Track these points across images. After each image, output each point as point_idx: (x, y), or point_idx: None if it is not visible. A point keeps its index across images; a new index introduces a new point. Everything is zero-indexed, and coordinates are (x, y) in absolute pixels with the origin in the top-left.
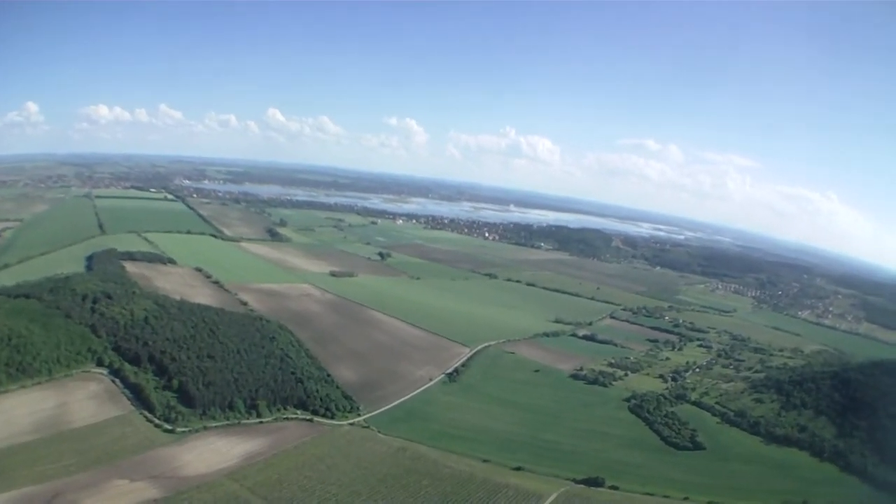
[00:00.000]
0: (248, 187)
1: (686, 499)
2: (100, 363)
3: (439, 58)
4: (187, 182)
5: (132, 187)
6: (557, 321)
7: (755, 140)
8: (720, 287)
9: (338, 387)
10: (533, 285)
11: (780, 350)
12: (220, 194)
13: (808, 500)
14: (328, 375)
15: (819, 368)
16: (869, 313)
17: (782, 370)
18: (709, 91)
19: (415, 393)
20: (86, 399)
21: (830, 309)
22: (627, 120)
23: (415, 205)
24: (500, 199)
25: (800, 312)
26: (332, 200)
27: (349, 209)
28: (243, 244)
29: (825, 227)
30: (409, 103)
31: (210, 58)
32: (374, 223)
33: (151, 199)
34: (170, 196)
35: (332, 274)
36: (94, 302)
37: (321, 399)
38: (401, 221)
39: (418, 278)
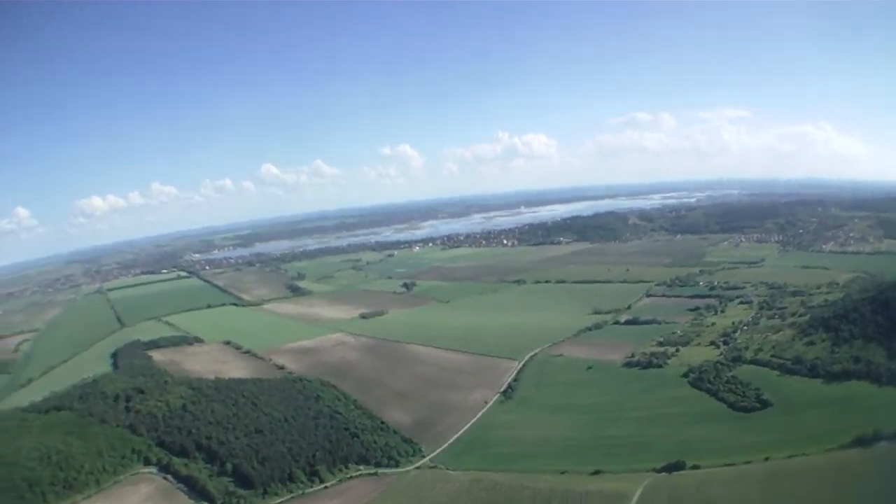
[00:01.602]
0: (259, 247)
1: (766, 459)
2: (147, 462)
3: (422, 77)
4: (196, 255)
5: (142, 273)
6: (596, 312)
7: (742, 89)
8: (743, 240)
9: (395, 432)
10: (563, 282)
11: (817, 287)
12: (231, 261)
13: (879, 428)
14: (382, 423)
15: (857, 296)
16: (886, 230)
17: (825, 307)
18: (687, 50)
19: (473, 420)
20: (141, 503)
21: (851, 235)
22: (614, 98)
23: (427, 228)
24: (509, 203)
25: (824, 246)
26: (344, 242)
27: (363, 247)
28: (266, 306)
29: (825, 157)
30: (400, 129)
31: (194, 126)
32: (391, 255)
33: (165, 281)
34: (182, 273)
35: (362, 316)
36: (128, 400)
37: (381, 449)
38: (417, 248)
39: (448, 301)
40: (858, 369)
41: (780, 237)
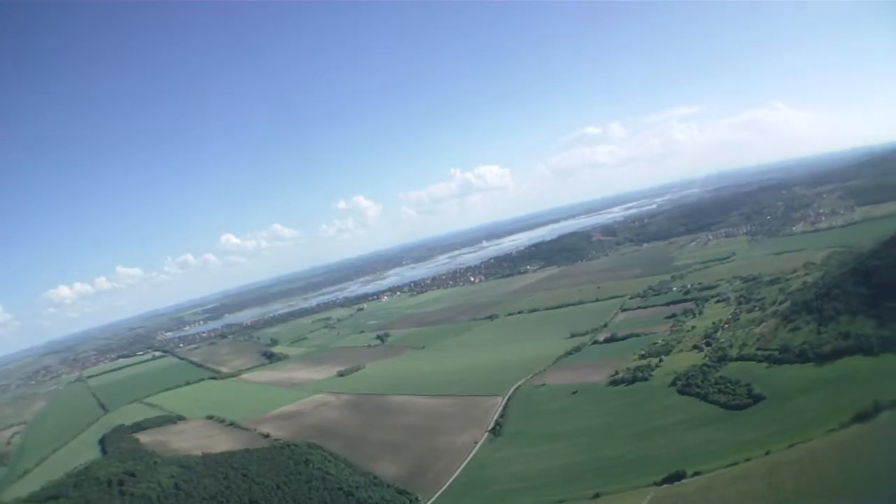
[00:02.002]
0: (229, 318)
1: (768, 453)
2: None
3: (369, 126)
4: (169, 334)
5: (118, 357)
6: (573, 335)
7: (688, 86)
8: (710, 237)
9: (388, 485)
10: (535, 310)
11: (794, 272)
12: (204, 335)
13: (878, 398)
14: (375, 477)
15: (837, 272)
16: (857, 198)
17: (804, 290)
18: (626, 58)
19: (466, 462)
20: None
21: (821, 212)
22: (561, 116)
23: (393, 277)
24: (471, 239)
25: (794, 228)
26: (312, 303)
27: (332, 305)
28: (244, 376)
29: (783, 137)
30: (352, 180)
31: (151, 205)
32: (360, 309)
33: (141, 363)
34: (157, 353)
35: (340, 374)
36: (121, 484)
37: (377, 503)
38: (386, 298)
39: (423, 347)
40: (849, 345)
41: (748, 228)
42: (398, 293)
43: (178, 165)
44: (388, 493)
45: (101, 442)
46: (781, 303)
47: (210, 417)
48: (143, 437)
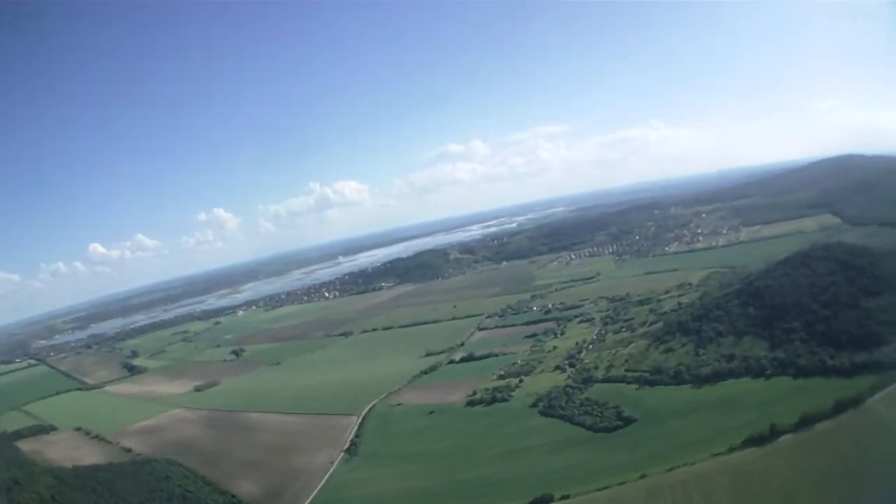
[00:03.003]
0: (94, 328)
1: (643, 476)
2: None
3: (227, 136)
4: (42, 342)
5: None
6: (429, 354)
7: (554, 105)
8: (573, 257)
9: None
10: (390, 328)
11: (666, 292)
12: (72, 344)
13: (775, 422)
14: (233, 496)
15: (719, 293)
16: (744, 218)
17: (679, 311)
18: (488, 76)
19: (322, 482)
20: None
21: (699, 232)
22: (423, 133)
23: (249, 291)
24: (327, 255)
25: (667, 248)
26: (172, 315)
27: (190, 317)
28: (108, 388)
29: (661, 156)
30: (210, 193)
31: (26, 209)
32: (217, 323)
33: (19, 370)
34: (32, 361)
35: (197, 389)
36: (9, 491)
37: None
38: (241, 312)
39: (278, 363)
40: (734, 367)
41: (614, 247)
42: (254, 307)
43: (50, 166)
44: None
45: None
46: (652, 323)
47: (78, 429)
48: (24, 445)
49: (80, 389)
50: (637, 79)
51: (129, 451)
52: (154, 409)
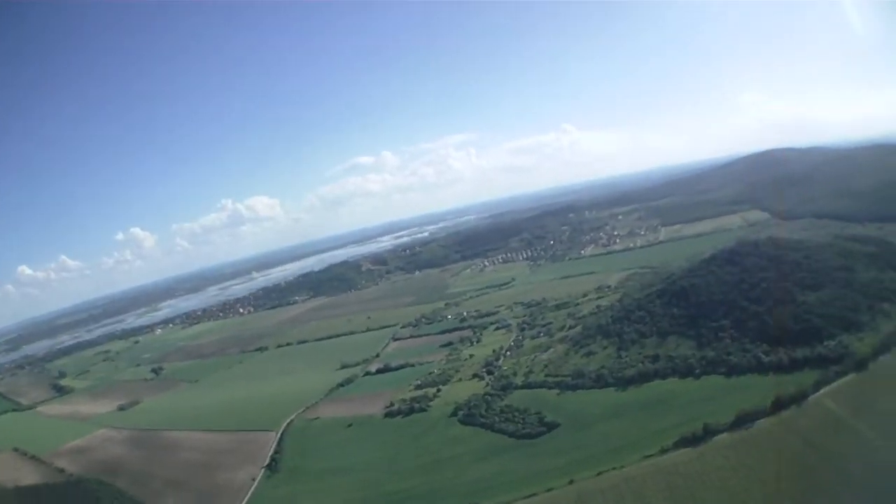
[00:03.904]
0: (26, 349)
1: (572, 482)
2: None
3: (140, 156)
4: None
5: None
6: (344, 367)
7: (462, 114)
8: (486, 264)
9: None
10: (305, 342)
11: (584, 296)
12: (6, 366)
13: (708, 422)
14: None
15: (639, 294)
16: (663, 218)
17: (598, 314)
18: (395, 88)
19: (246, 499)
20: None
21: (615, 233)
22: (331, 147)
23: (166, 309)
24: (241, 270)
25: (582, 251)
26: (94, 335)
27: (111, 337)
28: (40, 409)
29: (576, 160)
30: (127, 212)
31: None
32: (136, 342)
33: None
34: None
35: (120, 408)
36: None
37: None
38: (159, 330)
39: (197, 381)
40: (660, 368)
41: (528, 253)
42: (171, 325)
43: None
44: None
45: None
46: (571, 328)
47: (16, 450)
48: None
49: (15, 410)
50: (546, 84)
51: (62, 471)
52: (82, 429)
